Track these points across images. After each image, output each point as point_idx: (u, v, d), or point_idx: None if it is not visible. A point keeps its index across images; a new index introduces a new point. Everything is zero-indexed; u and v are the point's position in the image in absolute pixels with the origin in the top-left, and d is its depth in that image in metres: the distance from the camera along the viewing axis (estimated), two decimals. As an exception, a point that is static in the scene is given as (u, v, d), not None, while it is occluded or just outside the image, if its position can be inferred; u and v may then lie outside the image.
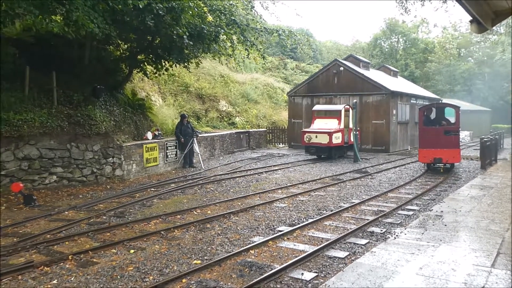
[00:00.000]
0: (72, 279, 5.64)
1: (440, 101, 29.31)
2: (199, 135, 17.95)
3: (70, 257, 6.35)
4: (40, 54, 12.93)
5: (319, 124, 19.61)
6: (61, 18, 11.16)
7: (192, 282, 5.50)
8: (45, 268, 5.98)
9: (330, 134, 18.45)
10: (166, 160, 15.73)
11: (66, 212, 9.27)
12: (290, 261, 6.06)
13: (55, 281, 5.56)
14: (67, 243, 7.18)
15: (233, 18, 15.31)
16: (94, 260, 6.34)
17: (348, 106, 20.22)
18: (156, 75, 16.70)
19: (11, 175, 11.01)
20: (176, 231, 7.85)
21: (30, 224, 8.34)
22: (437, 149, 14.78)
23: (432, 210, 8.91)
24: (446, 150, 14.66)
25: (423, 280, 5.01)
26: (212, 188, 12.25)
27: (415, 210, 9.55)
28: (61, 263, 6.18)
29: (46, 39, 13.12)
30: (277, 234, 7.51)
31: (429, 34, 59.54)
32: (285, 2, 54.24)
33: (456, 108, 15.44)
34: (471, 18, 4.96)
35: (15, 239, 7.28)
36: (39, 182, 11.51)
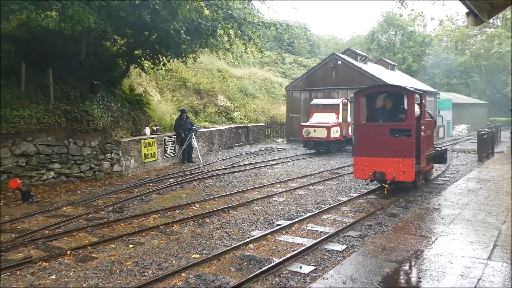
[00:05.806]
0: (70, 274, 5.65)
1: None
2: (198, 130, 17.93)
3: (68, 252, 6.36)
4: (35, 50, 12.84)
5: (317, 118, 19.63)
6: (57, 14, 11.10)
7: (191, 276, 5.52)
8: (44, 263, 5.99)
9: (328, 128, 18.47)
10: (165, 155, 15.72)
11: (64, 208, 9.27)
12: (289, 255, 6.09)
13: (53, 276, 5.58)
14: (65, 238, 7.19)
15: (230, 12, 15.27)
16: (93, 255, 6.35)
17: (346, 100, 20.21)
18: (154, 70, 16.65)
19: (9, 171, 10.99)
20: (175, 225, 7.86)
21: (28, 220, 8.34)
22: (379, 157, 9.67)
23: (430, 203, 8.94)
24: (392, 160, 9.50)
25: (420, 272, 5.04)
26: (210, 183, 12.26)
27: (413, 203, 9.58)
28: (60, 259, 6.18)
29: (41, 35, 13.04)
30: (276, 228, 7.54)
31: (426, 27, 59.52)
32: (282, -5, 53.91)
33: (410, 94, 9.52)
34: (468, 11, 4.96)
35: (13, 235, 7.27)
36: (37, 178, 11.48)
